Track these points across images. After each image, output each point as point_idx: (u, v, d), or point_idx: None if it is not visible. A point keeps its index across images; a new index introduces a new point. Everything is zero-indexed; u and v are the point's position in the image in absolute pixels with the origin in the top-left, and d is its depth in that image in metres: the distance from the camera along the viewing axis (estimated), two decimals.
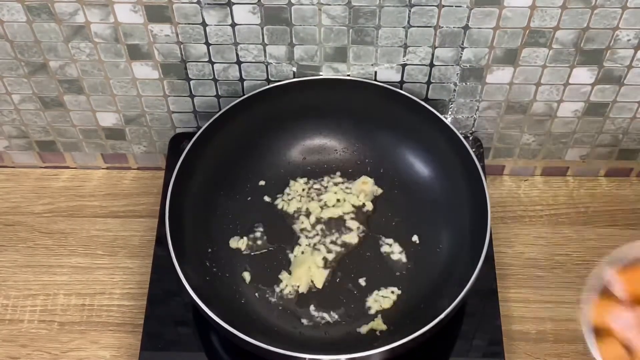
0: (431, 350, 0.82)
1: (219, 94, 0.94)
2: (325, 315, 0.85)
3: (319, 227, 0.91)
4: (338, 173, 0.95)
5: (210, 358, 0.85)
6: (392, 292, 0.86)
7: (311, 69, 0.90)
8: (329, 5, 0.82)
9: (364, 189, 0.93)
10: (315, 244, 0.89)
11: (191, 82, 0.92)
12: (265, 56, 0.88)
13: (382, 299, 0.86)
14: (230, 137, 0.91)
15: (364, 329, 0.83)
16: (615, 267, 0.72)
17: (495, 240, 0.95)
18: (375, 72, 0.90)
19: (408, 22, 0.83)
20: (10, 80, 0.92)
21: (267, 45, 0.87)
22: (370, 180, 0.94)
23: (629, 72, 0.88)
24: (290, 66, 0.90)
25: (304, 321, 0.84)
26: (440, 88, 0.92)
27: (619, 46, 0.85)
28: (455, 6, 0.81)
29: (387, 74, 0.90)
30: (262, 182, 0.94)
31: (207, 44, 0.87)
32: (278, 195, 0.93)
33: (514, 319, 0.90)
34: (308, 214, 0.92)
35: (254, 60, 0.89)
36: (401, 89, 0.91)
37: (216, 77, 0.91)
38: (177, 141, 0.96)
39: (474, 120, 0.96)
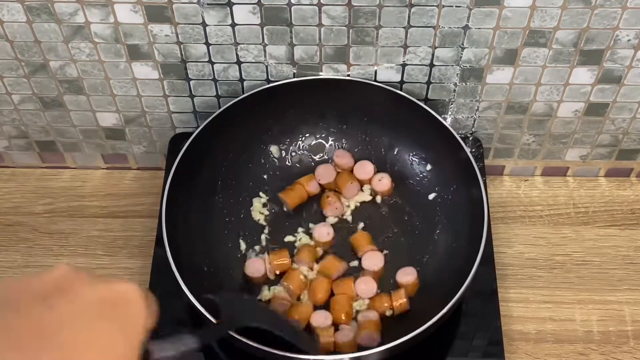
0: (431, 350, 0.83)
1: (219, 94, 0.94)
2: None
3: None
4: None
5: (208, 358, 0.85)
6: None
7: (311, 69, 0.90)
8: (329, 5, 0.82)
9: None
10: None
11: (191, 82, 0.92)
12: (265, 56, 0.88)
13: None
14: (229, 137, 0.91)
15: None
16: None
17: (495, 240, 0.95)
18: (375, 72, 0.90)
19: (408, 22, 0.83)
20: (10, 80, 0.92)
21: (267, 45, 0.87)
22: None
23: (629, 72, 0.88)
24: (290, 66, 0.90)
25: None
26: (440, 88, 0.92)
27: (619, 46, 0.85)
28: (455, 6, 0.81)
29: (387, 74, 0.90)
30: (260, 182, 0.94)
31: (207, 44, 0.87)
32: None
33: (513, 319, 0.90)
34: None
35: (253, 61, 0.89)
36: (401, 89, 0.91)
37: (216, 77, 0.91)
38: (177, 141, 0.96)
39: (474, 121, 0.96)
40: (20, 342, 0.42)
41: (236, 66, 0.90)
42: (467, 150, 0.85)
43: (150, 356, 0.51)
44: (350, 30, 0.85)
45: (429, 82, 0.91)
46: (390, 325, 0.83)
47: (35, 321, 0.44)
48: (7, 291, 0.46)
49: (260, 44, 0.87)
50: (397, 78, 0.91)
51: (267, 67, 0.90)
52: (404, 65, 0.89)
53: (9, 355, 0.41)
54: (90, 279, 0.47)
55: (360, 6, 0.82)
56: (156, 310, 0.50)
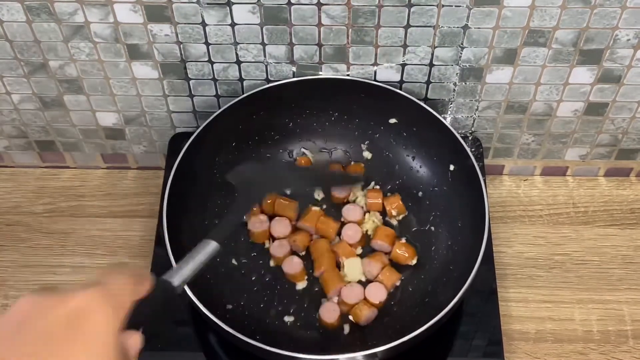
0: (431, 350, 0.83)
1: (219, 93, 0.94)
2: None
3: None
4: None
5: (209, 358, 0.85)
6: None
7: (311, 69, 0.90)
8: (329, 5, 0.82)
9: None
10: None
11: (191, 82, 0.92)
12: (264, 56, 0.88)
13: None
14: (228, 137, 0.91)
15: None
16: None
17: (495, 240, 0.95)
18: (375, 72, 0.90)
19: (408, 22, 0.83)
20: (10, 80, 0.92)
21: (266, 45, 0.87)
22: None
23: (629, 72, 0.88)
24: (290, 66, 0.90)
25: (301, 322, 0.84)
26: (439, 88, 0.92)
27: (619, 46, 0.85)
28: (455, 6, 0.81)
29: (386, 73, 0.90)
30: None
31: (207, 43, 0.87)
32: None
33: (513, 319, 0.91)
34: None
35: (253, 60, 0.89)
36: (401, 88, 0.91)
37: (216, 77, 0.91)
38: (177, 141, 0.97)
39: (474, 120, 0.96)
40: None
41: (236, 66, 0.90)
42: (467, 149, 0.85)
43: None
44: (350, 30, 0.85)
45: (428, 82, 0.91)
46: (390, 325, 0.83)
47: (4, 353, 0.46)
48: None
49: (259, 43, 0.87)
50: (397, 78, 0.91)
51: (266, 66, 0.90)
52: (403, 65, 0.89)
53: None
54: (50, 302, 0.49)
55: (360, 6, 0.82)
56: (146, 278, 0.53)
